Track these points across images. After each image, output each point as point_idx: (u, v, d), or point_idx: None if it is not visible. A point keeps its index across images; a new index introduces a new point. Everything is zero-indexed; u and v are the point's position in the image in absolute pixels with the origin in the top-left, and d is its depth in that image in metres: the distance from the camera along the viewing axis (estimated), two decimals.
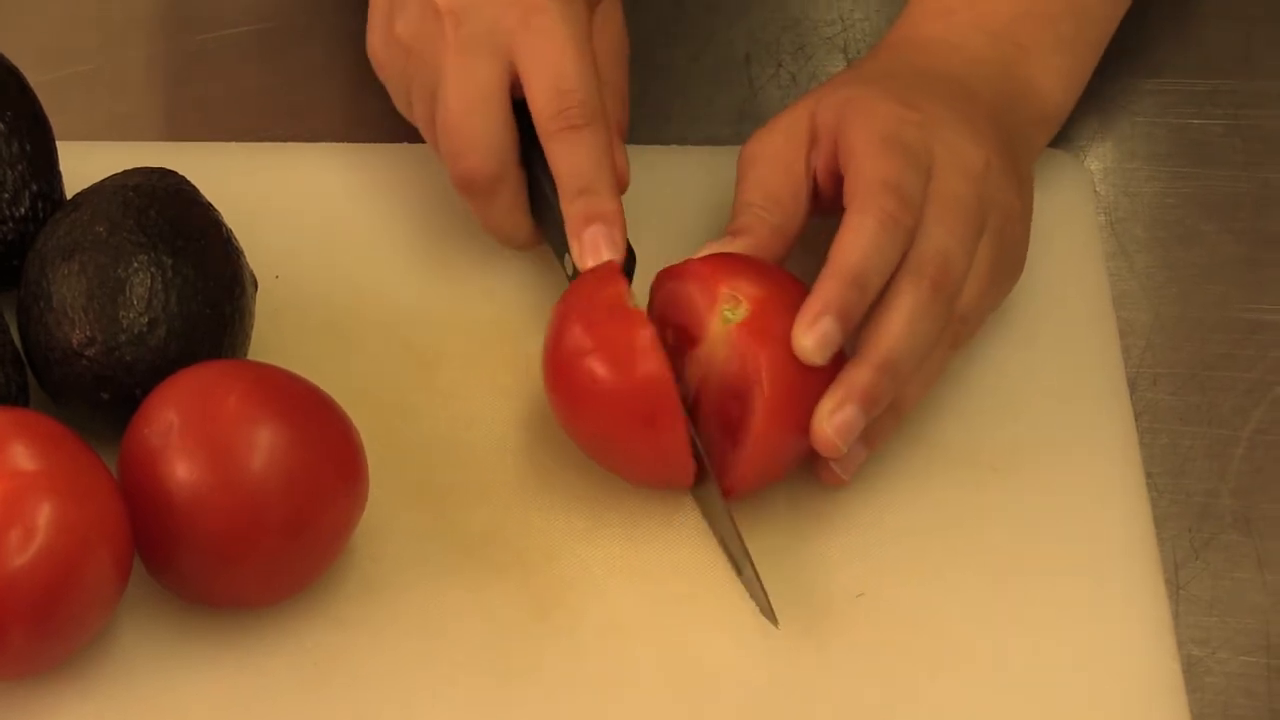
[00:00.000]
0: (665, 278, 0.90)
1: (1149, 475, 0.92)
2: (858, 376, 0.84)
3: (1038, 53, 0.97)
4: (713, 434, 0.88)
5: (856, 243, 0.84)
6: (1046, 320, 0.96)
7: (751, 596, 0.87)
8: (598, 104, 0.91)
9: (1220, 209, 1.02)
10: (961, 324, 0.88)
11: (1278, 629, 0.88)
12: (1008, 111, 0.94)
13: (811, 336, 0.84)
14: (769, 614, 0.86)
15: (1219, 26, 1.10)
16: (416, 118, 0.95)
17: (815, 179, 0.91)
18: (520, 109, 0.92)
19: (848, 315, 0.84)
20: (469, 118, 0.91)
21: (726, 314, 0.86)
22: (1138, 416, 0.94)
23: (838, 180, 0.89)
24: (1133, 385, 0.95)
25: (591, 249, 0.90)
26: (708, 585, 0.88)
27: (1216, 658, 0.87)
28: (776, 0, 1.12)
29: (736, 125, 1.06)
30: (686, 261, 0.89)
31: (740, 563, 0.88)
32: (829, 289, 0.84)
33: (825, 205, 0.91)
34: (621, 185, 0.93)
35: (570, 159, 0.90)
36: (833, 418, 0.84)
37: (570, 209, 0.91)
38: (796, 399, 0.85)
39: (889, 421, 0.88)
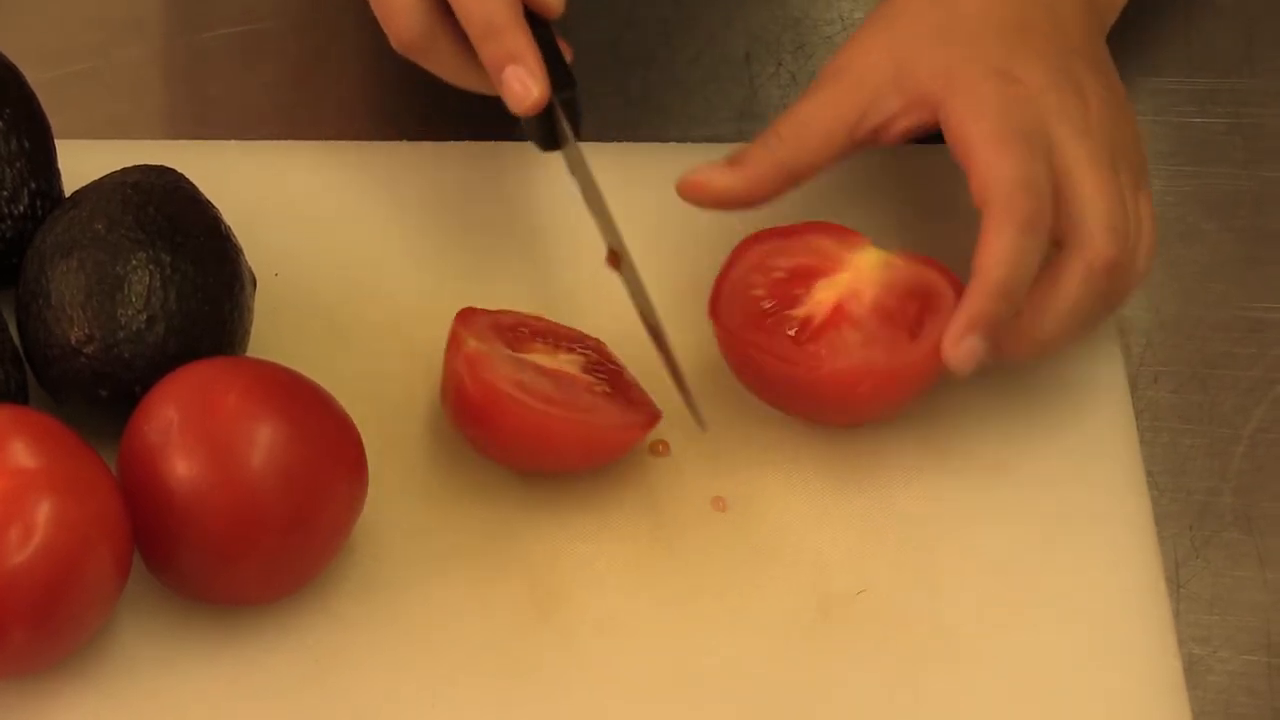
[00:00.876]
0: (764, 237, 0.93)
1: (1150, 473, 0.91)
2: (1004, 348, 0.86)
3: None
4: (877, 332, 0.89)
5: (1002, 254, 0.85)
6: None
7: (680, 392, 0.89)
8: None
9: (1221, 207, 1.02)
10: (1138, 278, 0.90)
11: (1279, 627, 0.88)
12: (1070, 26, 0.94)
13: (959, 353, 0.85)
14: (694, 411, 0.88)
15: (1219, 25, 1.10)
16: None
17: (876, 127, 0.91)
18: None
19: (994, 327, 0.85)
20: None
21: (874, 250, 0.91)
22: (1138, 415, 0.93)
23: (907, 134, 0.91)
24: (1133, 384, 0.95)
25: (517, 88, 0.91)
26: (709, 585, 0.88)
27: (1218, 656, 0.87)
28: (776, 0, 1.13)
29: (737, 124, 1.06)
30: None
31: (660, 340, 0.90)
32: (977, 304, 0.85)
33: (869, 144, 0.92)
34: (552, 12, 0.93)
35: (468, 3, 0.91)
36: (958, 346, 0.85)
37: (483, 55, 0.91)
38: None
39: (1031, 351, 0.88)
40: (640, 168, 1.01)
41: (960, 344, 0.85)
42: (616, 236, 0.91)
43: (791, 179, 0.90)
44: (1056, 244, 0.87)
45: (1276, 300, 0.98)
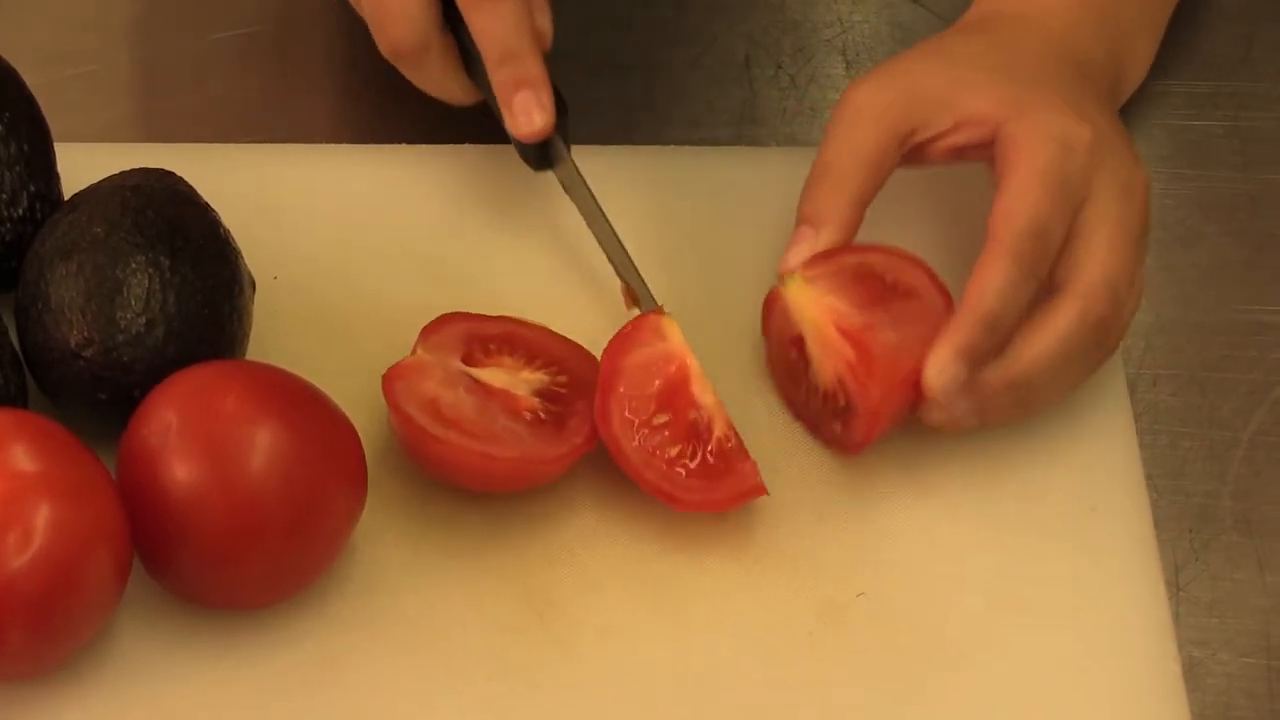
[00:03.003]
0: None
1: (1149, 477, 0.91)
2: (985, 379, 0.87)
3: (1129, 27, 0.98)
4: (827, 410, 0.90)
5: (994, 286, 0.85)
6: None
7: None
8: None
9: (1220, 210, 1.02)
10: (1116, 338, 0.90)
11: (1278, 630, 0.88)
12: (1109, 94, 0.95)
13: (940, 380, 0.86)
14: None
15: (1219, 28, 1.10)
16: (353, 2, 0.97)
17: (933, 147, 0.92)
18: None
19: (978, 357, 0.86)
20: None
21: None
22: (1138, 418, 0.93)
23: (950, 153, 0.91)
24: (1133, 387, 0.95)
25: (523, 115, 0.93)
26: (707, 587, 0.88)
27: (1217, 659, 0.87)
28: (776, 3, 1.12)
29: (736, 127, 1.06)
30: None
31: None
32: (963, 332, 0.85)
33: (916, 163, 0.93)
34: (544, 46, 0.95)
35: (489, 28, 0.93)
36: (943, 374, 0.85)
37: (496, 77, 0.93)
38: (893, 401, 0.88)
39: (1012, 412, 0.89)
40: (639, 170, 1.01)
41: (946, 370, 0.85)
42: (619, 251, 0.93)
43: (863, 205, 0.91)
44: (1050, 290, 0.88)
45: (1275, 303, 0.98)
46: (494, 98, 0.95)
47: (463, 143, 1.02)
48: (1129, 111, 0.98)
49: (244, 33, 1.11)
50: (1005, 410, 0.89)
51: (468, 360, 0.90)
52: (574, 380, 0.90)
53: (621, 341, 0.89)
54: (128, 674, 0.85)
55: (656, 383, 0.89)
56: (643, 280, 0.94)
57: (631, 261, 0.94)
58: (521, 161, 0.96)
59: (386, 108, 1.04)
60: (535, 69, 0.93)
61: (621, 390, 0.88)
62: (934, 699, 0.85)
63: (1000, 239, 0.86)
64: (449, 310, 0.92)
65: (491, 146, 1.02)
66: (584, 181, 0.95)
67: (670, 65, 1.09)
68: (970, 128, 0.91)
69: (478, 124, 1.01)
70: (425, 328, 0.91)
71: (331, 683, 0.85)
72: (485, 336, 0.91)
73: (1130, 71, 0.98)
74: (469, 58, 0.96)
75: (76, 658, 0.84)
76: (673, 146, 1.03)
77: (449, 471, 0.88)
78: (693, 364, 0.89)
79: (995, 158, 0.89)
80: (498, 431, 0.87)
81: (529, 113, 0.93)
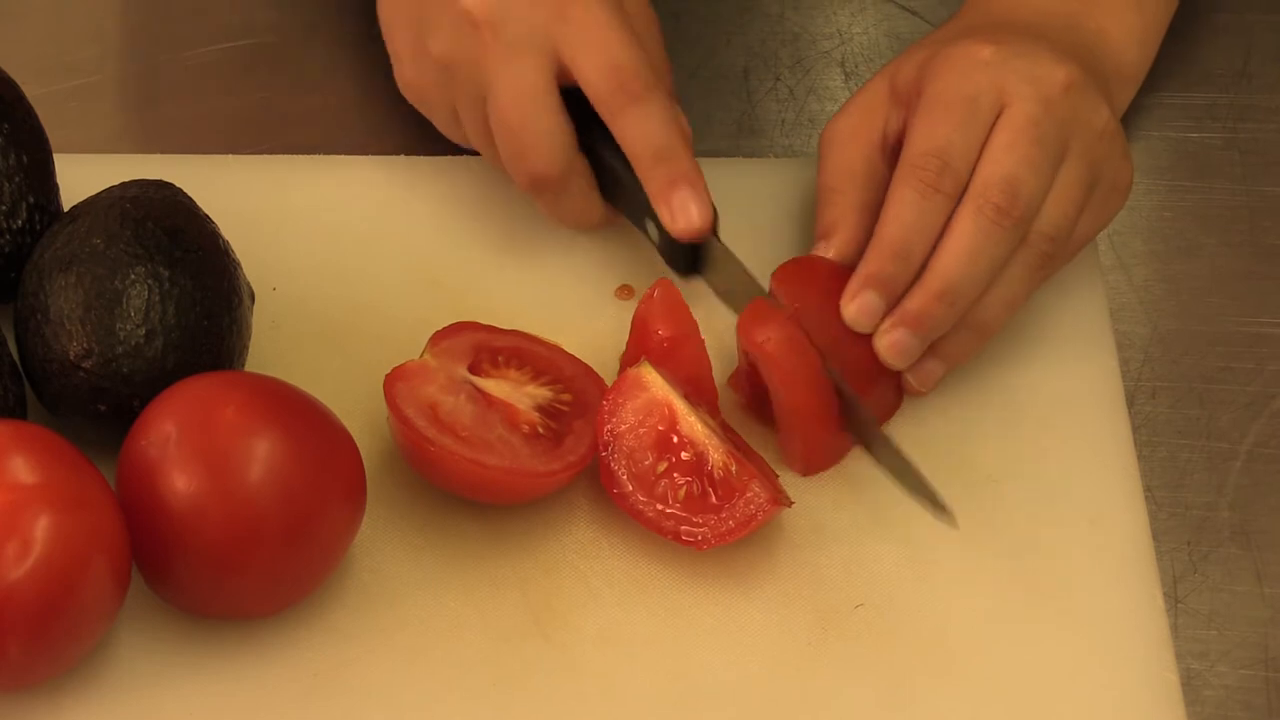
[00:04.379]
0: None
1: (1147, 489, 0.91)
2: (910, 303, 0.88)
3: (1106, 5, 0.98)
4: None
5: (898, 215, 0.88)
6: (1045, 333, 0.96)
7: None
8: (651, 72, 0.92)
9: (1218, 222, 1.02)
10: (1050, 243, 0.90)
11: (1276, 642, 0.88)
12: (1087, 57, 0.95)
13: (853, 307, 0.88)
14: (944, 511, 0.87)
15: (1217, 41, 1.10)
16: (468, 131, 0.96)
17: (895, 142, 0.93)
18: (567, 98, 0.93)
19: (890, 286, 0.88)
20: (527, 118, 0.92)
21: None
22: (1136, 430, 0.93)
23: None
24: (1131, 398, 0.95)
25: (683, 212, 0.92)
26: (707, 597, 0.88)
27: (1215, 671, 0.87)
28: (775, 15, 1.12)
29: (735, 139, 1.06)
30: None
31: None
32: (872, 262, 0.88)
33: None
34: (688, 141, 0.94)
35: (639, 130, 0.92)
36: (885, 337, 0.89)
37: (651, 177, 0.93)
38: (813, 411, 0.90)
39: (972, 341, 0.91)
40: None
41: (856, 299, 0.88)
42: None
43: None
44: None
45: (1274, 315, 0.98)
46: (634, 208, 0.94)
47: (463, 155, 1.02)
48: (1127, 122, 0.98)
49: (243, 44, 1.11)
50: (958, 339, 0.90)
51: (474, 369, 0.90)
52: (578, 400, 0.90)
53: (610, 404, 0.89)
54: (127, 684, 0.85)
55: (648, 435, 0.89)
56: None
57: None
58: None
59: (386, 119, 1.04)
60: (690, 165, 0.93)
61: (620, 453, 0.88)
62: (932, 711, 0.85)
63: (900, 167, 0.89)
64: (447, 322, 0.92)
65: None
66: (750, 279, 0.93)
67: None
68: (910, 103, 0.92)
69: None
70: (436, 333, 0.91)
71: (331, 693, 0.85)
72: (495, 348, 0.91)
73: (1116, 41, 0.98)
74: (599, 172, 0.96)
75: (75, 668, 0.84)
76: None
77: (441, 477, 0.88)
78: (677, 404, 0.89)
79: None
80: (492, 441, 0.87)
81: (688, 210, 0.92)
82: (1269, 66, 1.09)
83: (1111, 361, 0.96)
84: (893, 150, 0.93)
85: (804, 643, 0.86)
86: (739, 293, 0.93)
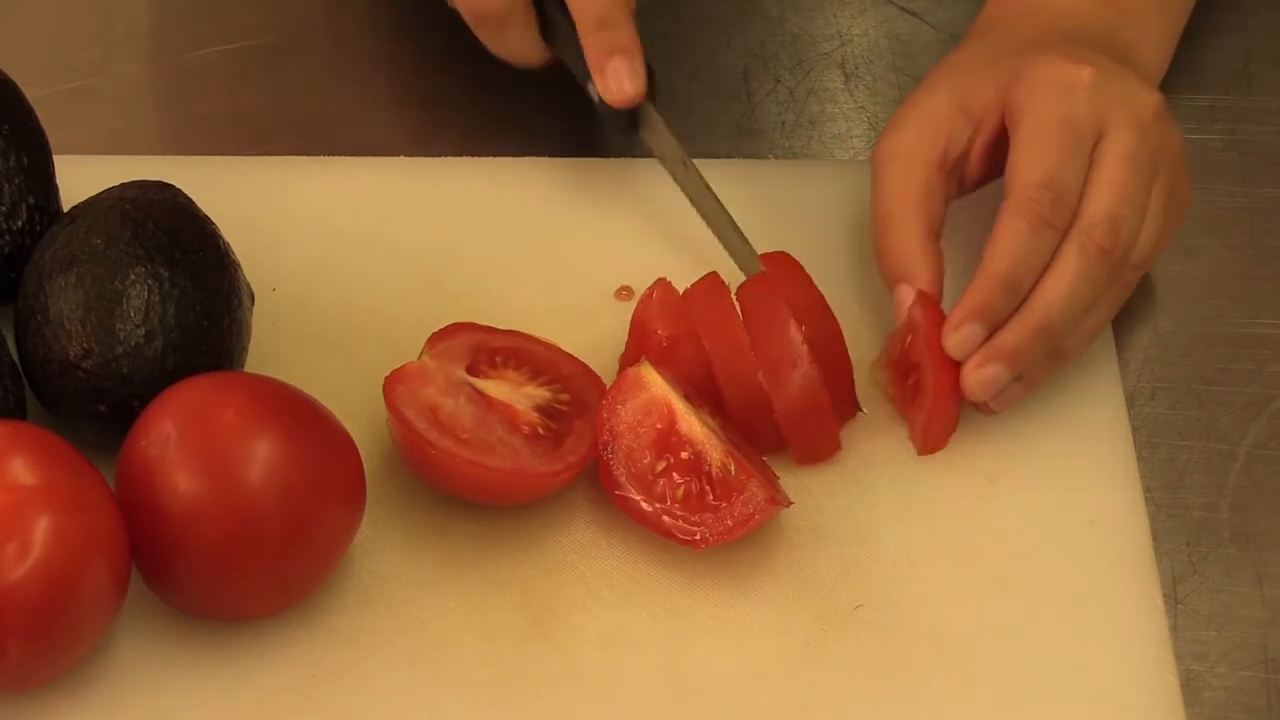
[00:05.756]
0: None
1: (1147, 490, 0.91)
2: (1009, 337, 0.88)
3: (1138, 16, 0.99)
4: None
5: (1011, 248, 0.88)
6: None
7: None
8: None
9: (1218, 224, 1.02)
10: (1136, 273, 0.91)
11: (1276, 643, 0.88)
12: (1129, 67, 0.95)
13: (955, 339, 0.88)
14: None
15: (1217, 42, 1.10)
16: None
17: (968, 159, 0.93)
18: None
19: (994, 317, 0.88)
20: None
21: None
22: (1136, 431, 0.93)
23: (986, 153, 0.93)
24: (1131, 399, 0.95)
25: (615, 81, 0.95)
26: (706, 598, 0.88)
27: (1215, 672, 0.87)
28: (775, 16, 1.12)
29: (735, 140, 1.06)
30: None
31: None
32: (979, 293, 0.88)
33: (977, 182, 0.95)
34: (630, 9, 0.96)
35: None
36: (979, 372, 0.89)
37: (589, 42, 0.95)
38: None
39: (1052, 367, 0.91)
40: (638, 183, 1.01)
41: (960, 329, 0.88)
42: (718, 213, 0.96)
43: (934, 238, 0.92)
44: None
45: (1274, 316, 0.98)
46: (577, 62, 0.97)
47: (462, 156, 1.02)
48: None
49: (243, 46, 1.11)
50: (1041, 365, 0.90)
51: (473, 370, 0.90)
52: (577, 400, 0.90)
53: (609, 404, 0.89)
54: (126, 685, 0.85)
55: (647, 434, 0.89)
56: (744, 239, 0.96)
57: (731, 220, 0.96)
58: (522, 179, 0.96)
59: (386, 119, 1.04)
60: (628, 36, 0.95)
61: (620, 454, 0.88)
62: (932, 711, 0.85)
63: (1010, 195, 0.88)
64: (447, 323, 0.92)
65: (493, 160, 1.03)
66: (677, 146, 0.97)
67: (669, 78, 1.09)
68: (987, 120, 0.92)
69: (478, 137, 1.02)
70: (434, 335, 0.91)
71: (331, 694, 0.85)
72: (493, 349, 0.91)
73: (1144, 52, 0.98)
74: (544, 22, 0.98)
75: (75, 669, 0.84)
76: None
77: (442, 478, 0.88)
78: (677, 404, 0.89)
79: (1008, 127, 0.91)
80: (493, 443, 0.88)
81: (620, 79, 0.95)
82: (1269, 68, 1.09)
83: (1111, 362, 0.96)
84: (954, 167, 0.93)
85: (803, 643, 0.86)
86: (670, 157, 0.97)
